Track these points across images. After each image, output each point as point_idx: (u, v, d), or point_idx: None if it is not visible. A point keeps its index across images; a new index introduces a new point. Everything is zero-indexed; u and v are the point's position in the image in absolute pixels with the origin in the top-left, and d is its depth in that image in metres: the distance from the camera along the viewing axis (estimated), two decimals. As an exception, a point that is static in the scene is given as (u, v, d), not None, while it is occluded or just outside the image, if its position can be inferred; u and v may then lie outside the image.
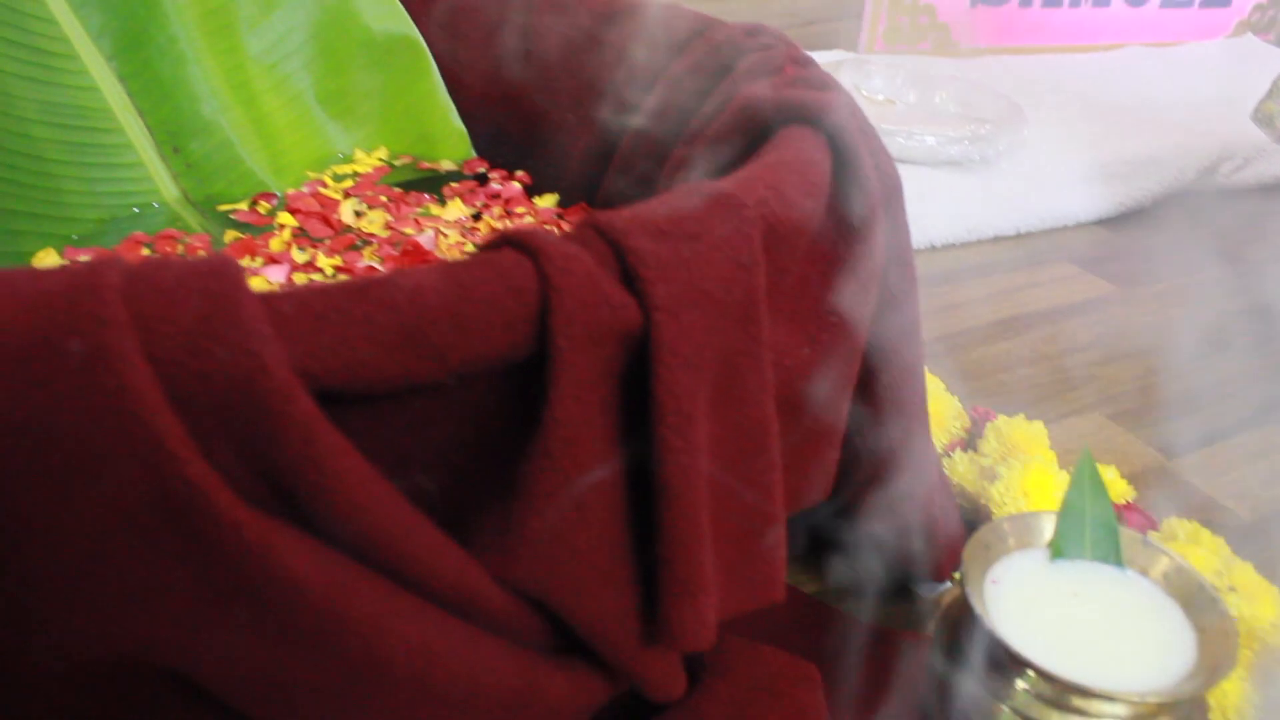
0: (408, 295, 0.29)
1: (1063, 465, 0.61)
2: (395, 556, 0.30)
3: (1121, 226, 1.07)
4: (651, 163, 0.55)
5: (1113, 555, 0.48)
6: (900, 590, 0.57)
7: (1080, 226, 1.07)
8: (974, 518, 0.61)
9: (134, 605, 0.29)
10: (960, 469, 0.62)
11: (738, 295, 0.33)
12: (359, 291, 0.29)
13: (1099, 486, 0.49)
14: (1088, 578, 0.47)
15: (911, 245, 0.48)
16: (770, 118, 0.43)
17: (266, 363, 0.27)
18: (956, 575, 0.57)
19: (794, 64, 0.49)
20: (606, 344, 0.31)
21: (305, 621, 0.29)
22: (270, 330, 0.27)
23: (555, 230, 0.39)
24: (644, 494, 0.33)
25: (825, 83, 0.45)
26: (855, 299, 0.42)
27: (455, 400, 0.32)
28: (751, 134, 0.44)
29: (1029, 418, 0.65)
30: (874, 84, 1.20)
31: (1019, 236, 1.04)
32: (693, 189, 0.34)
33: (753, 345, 0.34)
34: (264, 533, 0.28)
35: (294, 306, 0.28)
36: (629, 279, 0.31)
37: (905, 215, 0.47)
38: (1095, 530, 0.48)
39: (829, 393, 0.43)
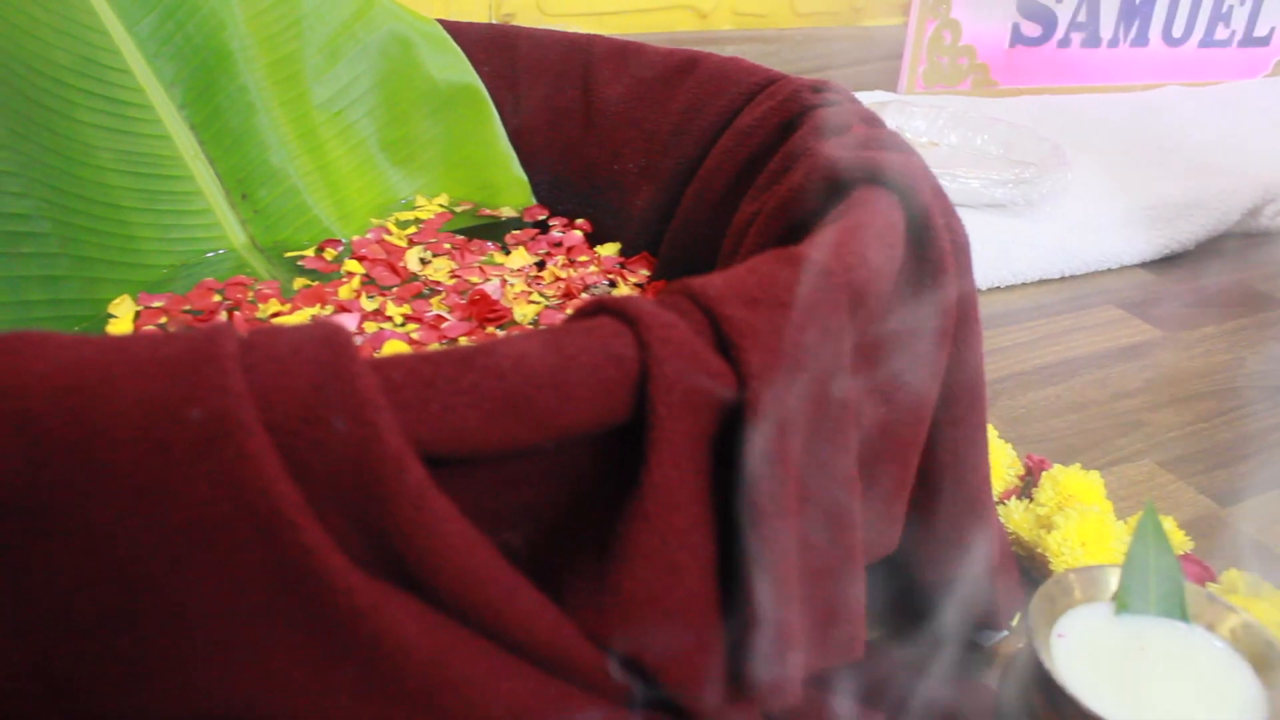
0: (512, 363, 0.30)
1: (1114, 513, 0.61)
2: (496, 617, 0.30)
3: (1165, 269, 1.08)
4: (717, 215, 0.56)
5: (1178, 610, 0.48)
6: (957, 638, 0.57)
7: (1124, 269, 1.07)
8: (1029, 566, 0.61)
9: (243, 664, 0.29)
10: (1016, 518, 0.62)
11: (827, 362, 0.34)
12: (465, 360, 0.30)
13: (1163, 540, 0.49)
14: (1154, 633, 0.47)
15: (978, 302, 0.49)
16: (845, 178, 0.44)
17: (381, 432, 0.28)
18: (1013, 624, 0.57)
19: (862, 122, 0.50)
20: (703, 411, 0.31)
21: (409, 682, 0.30)
22: (383, 399, 0.28)
23: (642, 293, 0.39)
24: (732, 553, 0.34)
25: (897, 144, 0.46)
26: (928, 358, 0.43)
27: (549, 462, 0.32)
28: (826, 194, 0.44)
29: (1076, 463, 0.65)
30: (917, 125, 1.21)
31: (1063, 280, 1.04)
32: (781, 256, 0.35)
33: (838, 409, 0.35)
34: (374, 596, 0.28)
35: (403, 375, 0.29)
36: (724, 346, 0.32)
37: (972, 273, 0.48)
38: (1160, 585, 0.49)
39: (901, 449, 0.43)
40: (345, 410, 0.28)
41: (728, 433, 0.32)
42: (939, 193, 0.46)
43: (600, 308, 0.32)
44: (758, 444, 0.32)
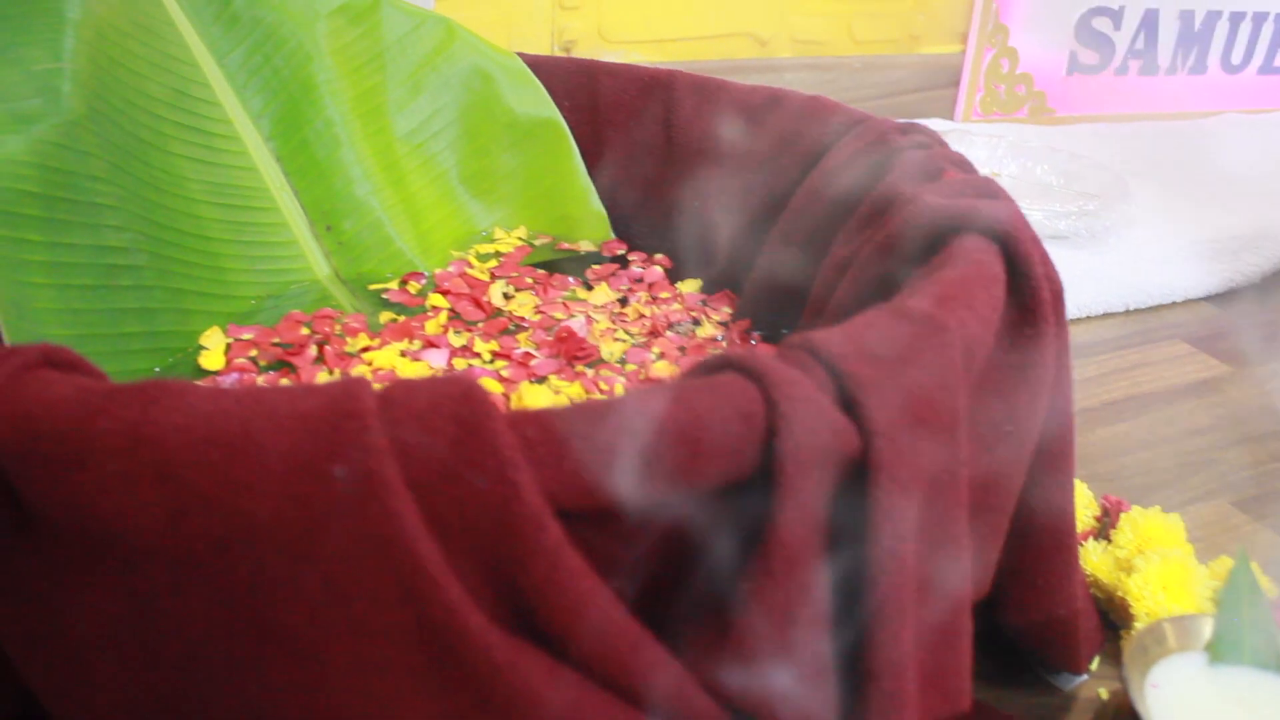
0: (645, 420, 0.30)
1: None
2: (622, 672, 0.31)
3: (1232, 303, 1.06)
4: (802, 256, 0.56)
5: (1273, 662, 0.48)
6: (1034, 682, 0.57)
7: (1189, 303, 1.06)
8: (1108, 610, 0.61)
9: (372, 718, 0.30)
10: (1094, 560, 0.62)
11: (944, 417, 0.34)
12: (598, 416, 0.30)
13: (1256, 590, 0.49)
14: (1250, 685, 0.47)
15: (1070, 348, 0.49)
16: (945, 226, 0.44)
17: (521, 490, 0.28)
18: (1092, 667, 0.57)
19: (953, 166, 0.50)
20: (827, 467, 0.31)
21: (539, 736, 0.30)
22: (522, 457, 0.28)
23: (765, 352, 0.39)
24: (848, 606, 0.34)
25: (994, 190, 0.46)
26: (1029, 406, 0.43)
27: (672, 515, 0.33)
28: (925, 241, 0.44)
29: (1149, 503, 0.64)
30: (977, 155, 1.20)
31: (1128, 313, 1.03)
32: (897, 311, 0.35)
33: (954, 463, 0.35)
34: (510, 654, 0.29)
35: (539, 431, 0.29)
36: (847, 403, 0.32)
37: (1066, 319, 0.48)
38: (1254, 636, 0.48)
39: (1000, 497, 0.43)
40: (486, 468, 0.28)
41: (848, 487, 0.33)
42: (1036, 241, 0.46)
43: (726, 363, 0.32)
44: (880, 500, 0.32)
